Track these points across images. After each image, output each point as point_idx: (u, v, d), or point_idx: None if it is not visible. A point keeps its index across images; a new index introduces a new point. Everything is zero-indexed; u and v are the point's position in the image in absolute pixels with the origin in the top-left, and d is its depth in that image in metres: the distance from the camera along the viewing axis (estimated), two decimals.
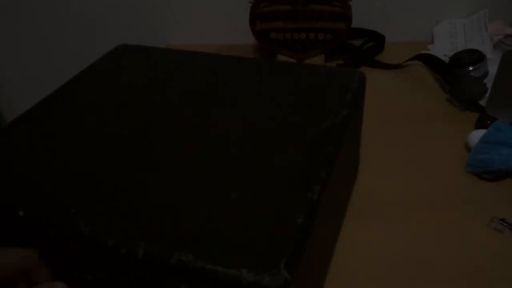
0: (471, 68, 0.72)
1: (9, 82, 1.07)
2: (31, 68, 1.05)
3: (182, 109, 0.45)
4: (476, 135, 0.58)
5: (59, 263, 0.36)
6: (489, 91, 0.64)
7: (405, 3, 0.90)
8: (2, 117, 1.12)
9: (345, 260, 0.46)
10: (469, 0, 0.88)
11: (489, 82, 0.67)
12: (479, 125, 0.63)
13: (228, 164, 0.37)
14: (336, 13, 0.76)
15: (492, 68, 0.70)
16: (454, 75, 0.71)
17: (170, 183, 0.36)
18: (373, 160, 0.59)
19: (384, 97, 0.73)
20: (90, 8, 0.96)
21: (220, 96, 0.46)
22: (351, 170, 0.52)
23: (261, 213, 0.33)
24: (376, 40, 0.90)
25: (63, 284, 0.34)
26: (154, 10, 0.95)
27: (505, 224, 0.48)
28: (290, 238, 0.31)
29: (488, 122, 0.61)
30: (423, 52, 0.82)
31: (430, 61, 0.79)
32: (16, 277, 0.34)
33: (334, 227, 0.46)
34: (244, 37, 0.91)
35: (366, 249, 0.47)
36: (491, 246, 0.47)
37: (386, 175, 0.57)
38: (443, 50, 0.85)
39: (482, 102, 0.67)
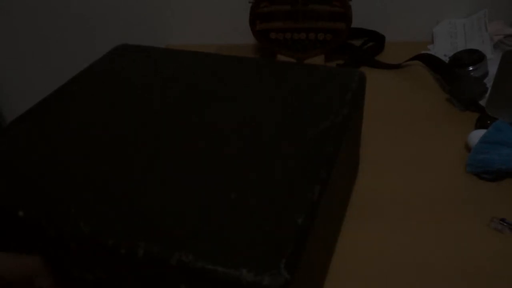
0: (471, 68, 0.72)
1: (9, 82, 1.07)
2: (31, 68, 1.05)
3: (182, 109, 0.45)
4: (476, 135, 0.58)
5: (59, 263, 0.36)
6: (489, 91, 0.64)
7: (405, 3, 0.90)
8: (2, 117, 1.12)
9: (345, 260, 0.46)
10: (469, 0, 0.88)
11: (489, 82, 0.67)
12: (479, 125, 0.63)
13: (228, 164, 0.37)
14: (336, 13, 0.76)
15: (492, 68, 0.70)
16: (454, 75, 0.71)
17: (170, 183, 0.36)
18: (373, 160, 0.59)
19: (384, 97, 0.73)
20: (90, 8, 0.96)
21: (220, 96, 0.46)
22: (351, 170, 0.52)
23: (261, 213, 0.33)
24: (376, 40, 0.90)
25: None
26: (154, 10, 0.95)
27: (505, 224, 0.48)
28: (290, 238, 0.31)
29: (488, 122, 0.61)
30: (423, 52, 0.82)
31: (430, 61, 0.79)
32: (19, 283, 0.34)
33: (334, 227, 0.46)
34: (244, 37, 0.91)
35: (366, 249, 0.47)
36: (491, 246, 0.47)
37: (386, 175, 0.57)
38: (443, 50, 0.85)
39: (482, 102, 0.67)
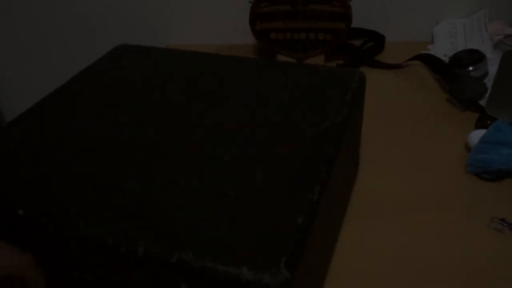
0: (471, 68, 0.72)
1: (9, 82, 1.07)
2: (31, 68, 1.05)
3: (182, 109, 0.45)
4: (476, 135, 0.58)
5: (58, 263, 0.36)
6: (489, 91, 0.64)
7: (405, 3, 0.90)
8: (2, 117, 1.12)
9: (345, 260, 0.46)
10: (469, 0, 0.88)
11: (489, 82, 0.67)
12: (479, 125, 0.63)
13: (228, 164, 0.37)
14: (336, 13, 0.76)
15: (492, 68, 0.70)
16: (454, 75, 0.71)
17: (170, 183, 0.36)
18: (373, 160, 0.59)
19: (384, 97, 0.73)
20: (90, 8, 0.96)
21: (220, 96, 0.46)
22: (351, 170, 0.52)
23: (261, 213, 0.33)
24: (376, 40, 0.90)
25: None
26: (154, 10, 0.95)
27: (505, 224, 0.48)
28: (291, 237, 0.31)
29: (488, 122, 0.61)
30: (423, 52, 0.82)
31: (430, 61, 0.79)
32: (9, 282, 0.34)
33: (334, 227, 0.46)
34: (244, 37, 0.91)
35: (366, 249, 0.47)
36: (491, 246, 0.47)
37: (386, 175, 0.57)
38: (443, 50, 0.85)
39: (482, 102, 0.67)
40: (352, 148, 0.49)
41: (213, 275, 0.29)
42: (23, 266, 0.34)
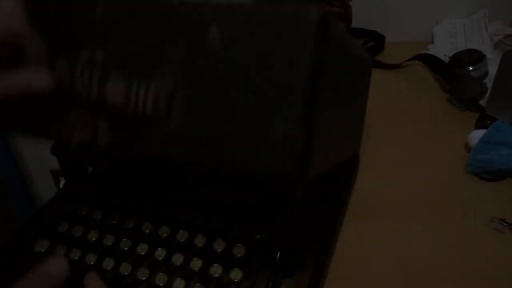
0: (471, 68, 0.72)
1: None
2: None
3: None
4: (476, 135, 0.58)
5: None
6: (489, 91, 0.64)
7: (405, 3, 0.90)
8: None
9: (345, 260, 0.46)
10: (469, 0, 0.88)
11: (489, 82, 0.67)
12: (479, 125, 0.63)
13: None
14: (336, 13, 0.76)
15: (492, 68, 0.70)
16: (454, 75, 0.71)
17: None
18: (373, 160, 0.59)
19: (384, 97, 0.73)
20: None
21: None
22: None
23: None
24: (376, 40, 0.90)
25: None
26: None
27: (505, 224, 0.48)
28: None
29: (488, 122, 0.61)
30: (423, 52, 0.82)
31: (430, 61, 0.79)
32: None
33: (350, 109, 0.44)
34: None
35: (366, 249, 0.47)
36: (491, 246, 0.47)
37: (386, 175, 0.57)
38: (443, 50, 0.85)
39: (482, 102, 0.67)
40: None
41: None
42: (14, 28, 0.27)
